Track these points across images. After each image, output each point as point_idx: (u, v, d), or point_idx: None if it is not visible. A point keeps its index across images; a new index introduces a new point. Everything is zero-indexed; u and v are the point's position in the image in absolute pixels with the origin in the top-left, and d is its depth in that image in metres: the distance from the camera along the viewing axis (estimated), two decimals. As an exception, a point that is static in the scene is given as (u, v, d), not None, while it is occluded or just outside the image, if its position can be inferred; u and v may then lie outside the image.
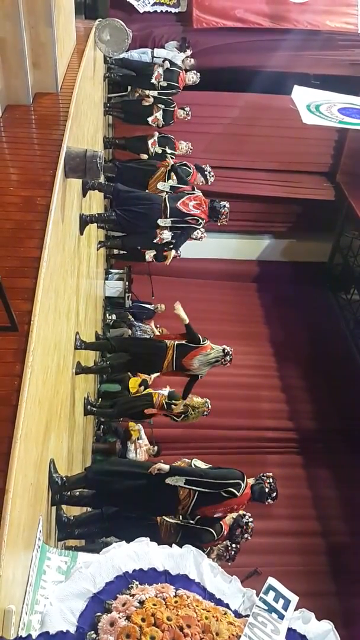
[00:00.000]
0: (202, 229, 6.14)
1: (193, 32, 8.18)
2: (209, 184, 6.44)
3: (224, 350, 4.65)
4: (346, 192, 9.29)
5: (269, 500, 3.64)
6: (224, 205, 5.63)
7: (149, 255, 7.06)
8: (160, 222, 5.08)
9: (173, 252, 7.10)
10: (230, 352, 4.66)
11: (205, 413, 5.16)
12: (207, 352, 4.62)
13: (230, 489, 3.40)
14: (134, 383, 6.59)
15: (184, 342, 4.67)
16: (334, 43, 8.62)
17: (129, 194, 5.52)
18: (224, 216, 5.55)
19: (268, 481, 3.62)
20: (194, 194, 5.54)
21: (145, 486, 3.47)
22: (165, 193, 5.66)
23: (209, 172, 6.36)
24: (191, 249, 6.47)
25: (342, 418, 8.28)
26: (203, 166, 6.44)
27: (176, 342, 4.68)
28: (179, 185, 6.01)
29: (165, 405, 5.11)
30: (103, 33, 6.31)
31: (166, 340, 4.77)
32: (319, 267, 10.44)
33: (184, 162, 6.46)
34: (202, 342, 4.63)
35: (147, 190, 6.03)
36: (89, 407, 5.29)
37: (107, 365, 5.08)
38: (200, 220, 5.37)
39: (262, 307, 9.83)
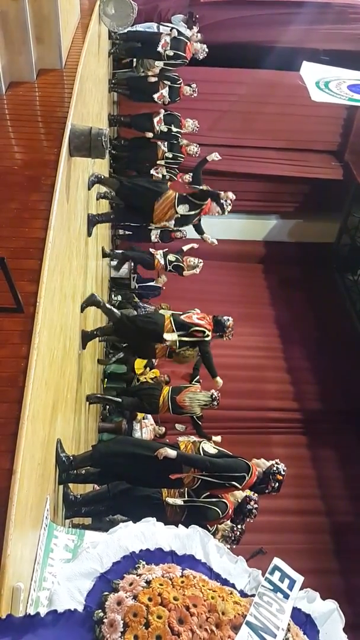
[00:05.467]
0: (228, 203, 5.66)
1: (200, 5, 8.00)
2: (226, 213, 5.77)
3: (212, 395, 5.07)
4: (355, 172, 9.13)
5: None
6: (228, 319, 5.19)
7: (155, 235, 7.02)
8: (167, 336, 4.92)
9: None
10: (218, 397, 5.08)
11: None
12: (196, 391, 5.15)
13: (233, 482, 3.46)
14: (139, 364, 6.64)
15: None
16: (345, 16, 8.39)
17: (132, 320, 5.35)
18: (229, 329, 5.12)
19: (272, 484, 3.54)
20: (196, 310, 5.22)
21: (150, 470, 3.52)
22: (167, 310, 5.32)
23: (226, 201, 5.64)
24: (197, 229, 6.41)
25: (347, 399, 8.30)
26: (219, 193, 5.68)
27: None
28: (189, 214, 5.61)
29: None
30: (108, 7, 6.14)
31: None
32: (325, 248, 10.35)
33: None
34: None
35: (152, 223, 5.82)
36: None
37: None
38: (207, 332, 4.95)
39: (268, 288, 9.79)
